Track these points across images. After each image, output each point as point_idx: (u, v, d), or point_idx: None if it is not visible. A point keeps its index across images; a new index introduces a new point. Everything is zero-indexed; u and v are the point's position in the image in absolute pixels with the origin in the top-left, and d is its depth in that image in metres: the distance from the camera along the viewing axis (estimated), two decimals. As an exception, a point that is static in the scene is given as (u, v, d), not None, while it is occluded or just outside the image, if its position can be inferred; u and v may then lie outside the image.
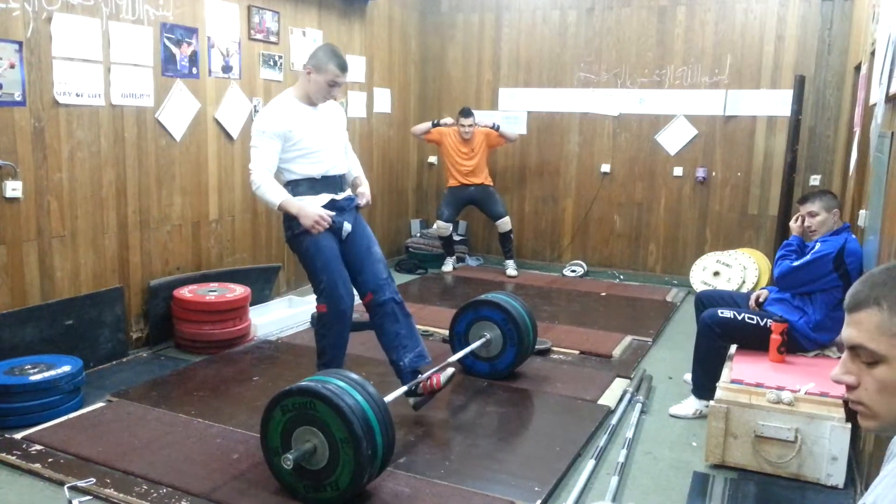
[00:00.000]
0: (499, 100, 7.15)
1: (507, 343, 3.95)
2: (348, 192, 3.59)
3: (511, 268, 6.79)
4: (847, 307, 1.14)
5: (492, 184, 6.79)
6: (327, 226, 3.32)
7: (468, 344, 3.97)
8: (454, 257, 7.04)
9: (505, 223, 6.69)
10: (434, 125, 6.71)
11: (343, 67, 3.38)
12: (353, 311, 3.47)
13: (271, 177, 3.33)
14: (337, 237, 3.44)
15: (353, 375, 2.74)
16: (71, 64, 3.88)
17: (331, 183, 3.48)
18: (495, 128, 6.62)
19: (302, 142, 3.37)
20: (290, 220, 3.38)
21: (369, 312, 3.55)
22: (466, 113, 6.52)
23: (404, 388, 3.30)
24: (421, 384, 3.42)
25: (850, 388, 1.14)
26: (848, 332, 1.12)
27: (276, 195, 3.29)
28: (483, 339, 3.95)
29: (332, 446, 2.58)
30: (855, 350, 1.12)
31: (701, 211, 6.54)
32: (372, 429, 2.58)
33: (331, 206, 3.43)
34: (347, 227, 3.47)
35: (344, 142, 3.64)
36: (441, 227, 6.80)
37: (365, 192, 3.62)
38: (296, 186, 3.41)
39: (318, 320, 3.48)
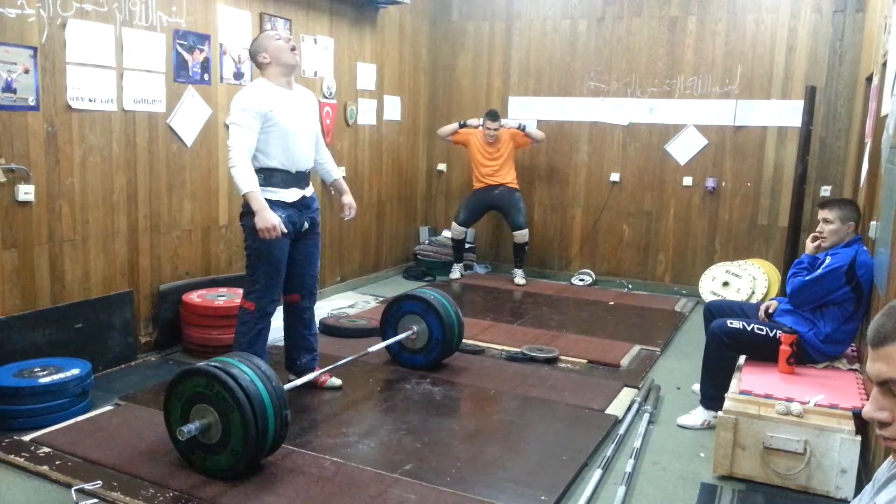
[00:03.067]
0: (508, 108, 7.16)
1: (432, 336, 4.17)
2: (312, 190, 3.70)
3: (519, 276, 6.73)
4: (872, 342, 1.10)
5: (518, 188, 6.66)
6: (275, 237, 3.39)
7: (396, 335, 4.24)
8: (462, 264, 6.98)
9: (522, 235, 6.60)
10: (461, 126, 6.70)
11: (278, 37, 3.54)
12: (275, 310, 3.64)
13: (249, 159, 3.37)
14: (291, 234, 3.54)
15: (257, 360, 2.97)
16: (84, 69, 3.91)
17: (301, 179, 3.61)
18: (521, 128, 6.58)
19: (280, 123, 3.45)
20: (248, 216, 3.48)
21: (286, 310, 3.81)
22: (493, 116, 6.45)
23: (305, 379, 3.55)
24: (314, 379, 3.77)
25: (883, 424, 1.11)
26: (877, 368, 1.08)
27: (248, 182, 3.33)
28: (409, 332, 4.20)
29: (225, 422, 2.81)
30: (886, 385, 1.08)
31: (710, 221, 6.52)
32: (264, 405, 2.80)
33: (300, 202, 3.58)
34: (306, 224, 3.63)
35: (316, 130, 3.77)
36: (455, 230, 6.73)
37: (351, 204, 3.87)
38: (269, 177, 3.48)
39: (241, 315, 3.61)
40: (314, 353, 3.93)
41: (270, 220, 3.34)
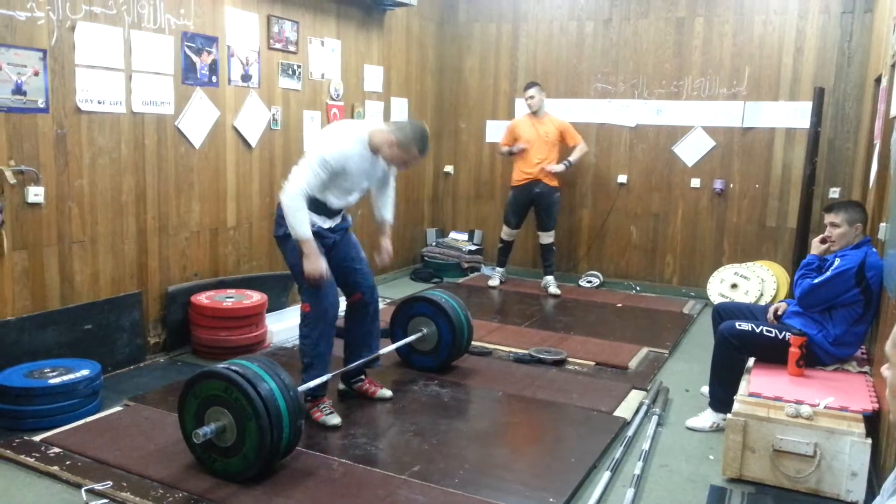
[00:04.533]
0: (515, 110, 7.15)
1: (442, 338, 4.17)
2: (344, 213, 3.67)
3: (552, 285, 6.44)
4: None
5: (559, 187, 6.42)
6: (321, 281, 3.37)
7: (406, 337, 4.22)
8: (503, 270, 6.71)
9: (546, 236, 6.44)
10: (509, 153, 6.40)
11: (424, 152, 3.47)
12: (337, 311, 3.52)
13: (305, 202, 3.30)
14: (325, 245, 3.50)
15: (270, 362, 2.96)
16: (93, 72, 3.93)
17: (340, 210, 3.60)
18: (568, 166, 6.35)
19: (347, 181, 3.43)
20: (281, 218, 3.44)
21: (348, 309, 3.74)
22: (530, 84, 6.29)
23: (329, 376, 3.50)
24: (360, 385, 3.79)
25: None
26: None
27: (305, 229, 3.27)
28: (419, 334, 4.18)
29: (240, 427, 2.81)
30: None
31: (718, 223, 6.50)
32: (280, 416, 2.80)
33: (334, 227, 3.56)
34: (337, 237, 3.61)
35: (390, 184, 3.81)
36: (507, 233, 6.51)
37: (388, 249, 3.85)
38: (318, 208, 3.44)
39: (301, 319, 3.51)
40: (375, 353, 3.82)
41: (319, 269, 3.32)
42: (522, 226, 6.61)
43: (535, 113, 6.29)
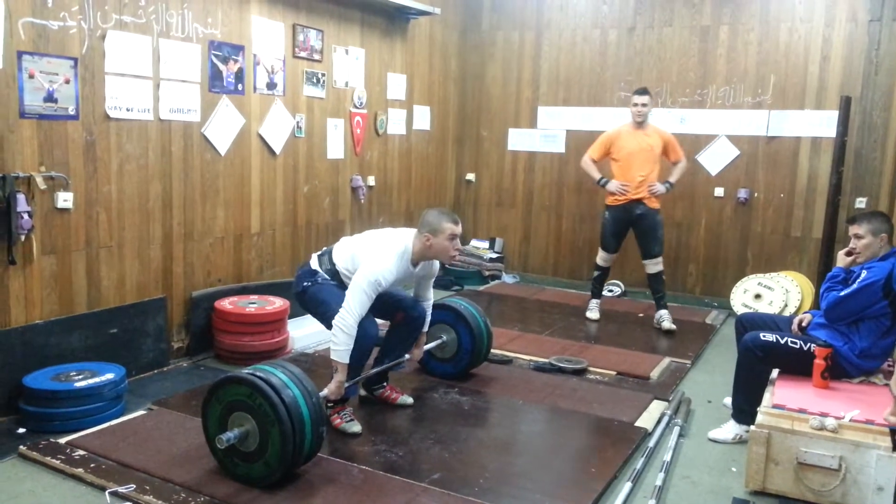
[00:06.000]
0: (538, 118, 7.16)
1: (462, 345, 4.18)
2: None
3: (667, 320, 5.55)
4: None
5: (659, 208, 5.61)
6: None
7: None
8: (599, 301, 5.96)
9: (653, 264, 5.61)
10: (601, 183, 5.59)
11: (456, 221, 3.52)
12: (375, 342, 3.51)
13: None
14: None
15: (294, 368, 2.97)
16: (122, 79, 4.00)
17: None
18: (668, 188, 5.53)
19: (386, 286, 3.45)
20: (304, 276, 3.59)
21: (394, 324, 3.79)
22: (642, 90, 5.45)
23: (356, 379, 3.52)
24: (381, 392, 3.84)
25: None
26: None
27: (346, 355, 3.32)
28: (439, 341, 4.18)
29: (263, 433, 2.83)
30: None
31: (742, 232, 6.44)
32: (303, 422, 2.83)
33: None
34: None
35: (430, 281, 3.84)
36: (603, 258, 5.78)
37: (417, 358, 3.93)
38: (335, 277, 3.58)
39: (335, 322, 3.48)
40: (400, 358, 3.85)
41: (341, 394, 3.39)
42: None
43: (639, 123, 5.48)
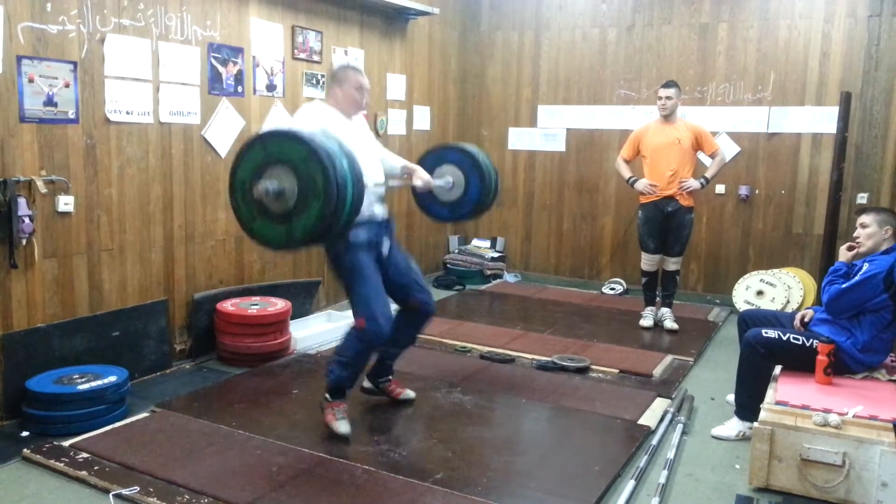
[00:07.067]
0: (538, 117, 7.16)
1: (468, 194, 3.96)
2: (386, 209, 3.60)
3: (669, 318, 5.53)
4: None
5: (693, 206, 5.42)
6: None
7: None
8: (653, 308, 5.67)
9: (672, 262, 5.50)
10: (630, 182, 5.47)
11: (360, 71, 3.57)
12: (390, 330, 3.41)
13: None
14: (376, 256, 3.46)
15: (358, 166, 2.86)
16: (122, 83, 4.00)
17: (373, 192, 3.47)
18: (704, 185, 5.33)
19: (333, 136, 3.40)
20: (333, 243, 3.36)
21: (407, 312, 3.70)
22: (668, 83, 5.32)
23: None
24: (386, 385, 3.84)
25: None
26: None
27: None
28: (447, 183, 3.94)
29: (302, 201, 2.71)
30: None
31: (744, 229, 6.44)
32: (342, 211, 2.74)
33: (376, 224, 3.45)
34: (387, 243, 3.53)
35: (378, 149, 3.74)
36: (647, 260, 5.51)
37: (420, 174, 3.70)
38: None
39: (354, 333, 3.41)
40: (402, 351, 3.83)
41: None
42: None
43: (666, 117, 5.33)
